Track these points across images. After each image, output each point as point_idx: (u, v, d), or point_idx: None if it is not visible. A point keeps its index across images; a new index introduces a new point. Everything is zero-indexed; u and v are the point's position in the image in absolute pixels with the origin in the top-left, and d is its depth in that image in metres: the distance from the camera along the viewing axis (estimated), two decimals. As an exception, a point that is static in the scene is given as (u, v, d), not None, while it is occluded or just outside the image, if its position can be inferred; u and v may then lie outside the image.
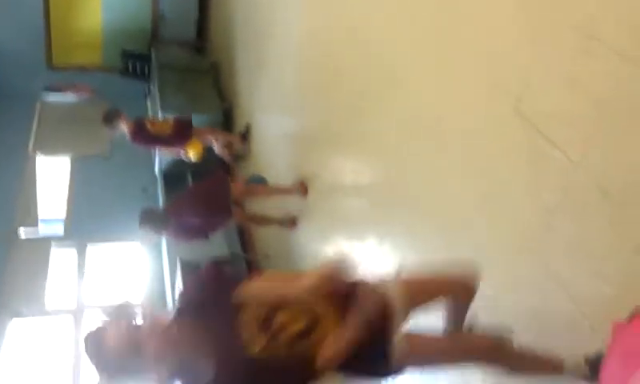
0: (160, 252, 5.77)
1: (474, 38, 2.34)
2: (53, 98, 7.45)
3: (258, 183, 4.81)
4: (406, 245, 2.92)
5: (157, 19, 7.63)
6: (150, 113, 7.13)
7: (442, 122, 2.59)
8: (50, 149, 7.07)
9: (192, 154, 5.15)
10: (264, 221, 4.93)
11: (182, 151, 5.19)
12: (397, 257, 2.99)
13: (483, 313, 2.17)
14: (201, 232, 4.28)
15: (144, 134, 5.06)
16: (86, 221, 6.11)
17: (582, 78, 1.81)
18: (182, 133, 5.16)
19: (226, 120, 6.45)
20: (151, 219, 4.21)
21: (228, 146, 5.62)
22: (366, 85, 3.28)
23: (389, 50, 3.04)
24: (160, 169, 6.47)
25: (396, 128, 3.00)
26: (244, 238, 5.68)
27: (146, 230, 4.21)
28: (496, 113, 2.20)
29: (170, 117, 5.46)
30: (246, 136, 5.73)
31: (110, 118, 5.00)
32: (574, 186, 1.87)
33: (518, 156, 2.11)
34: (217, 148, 5.44)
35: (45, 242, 5.97)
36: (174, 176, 6.27)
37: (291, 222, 4.50)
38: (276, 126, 5.03)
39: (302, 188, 4.29)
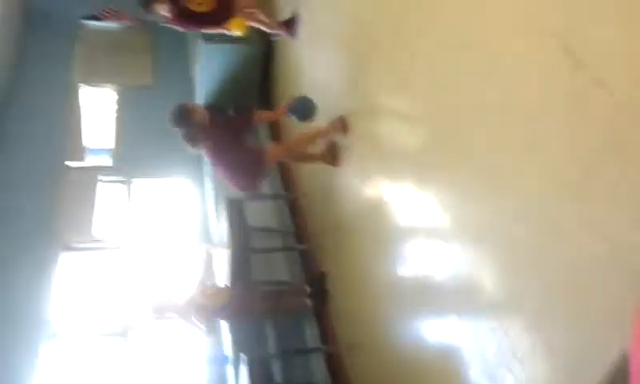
0: (204, 189, 5.85)
1: None
2: (95, 26, 7.40)
3: (301, 114, 4.36)
4: (447, 190, 2.87)
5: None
6: (191, 43, 7.04)
7: (487, 62, 2.48)
8: (94, 79, 7.10)
9: (236, 30, 5.05)
10: (306, 158, 4.83)
11: (225, 27, 5.06)
12: (436, 200, 2.96)
13: (524, 258, 2.22)
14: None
15: (185, 13, 4.91)
16: (132, 153, 6.20)
17: (633, 15, 1.70)
18: (224, 6, 4.99)
19: (269, 50, 6.32)
20: (183, 120, 3.98)
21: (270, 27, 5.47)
22: (408, 19, 3.19)
23: None
24: (202, 100, 6.44)
25: (439, 65, 2.90)
26: (285, 177, 5.68)
27: (177, 129, 4.01)
28: (543, 50, 2.10)
29: None
30: (292, 23, 5.33)
31: (147, 2, 4.82)
32: (618, 126, 1.78)
33: (562, 97, 2.02)
34: (263, 26, 5.38)
35: (92, 173, 6.11)
36: (217, 110, 6.23)
37: (333, 155, 4.35)
38: (319, 65, 4.91)
39: (343, 125, 4.14)
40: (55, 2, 7.26)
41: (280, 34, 5.50)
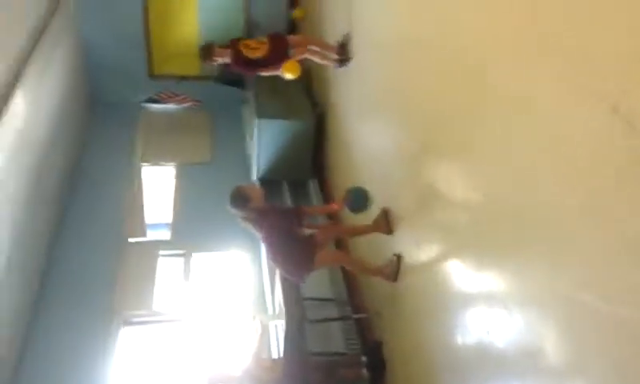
0: (260, 262, 5.92)
1: (568, 37, 2.23)
2: (155, 107, 7.79)
3: (357, 206, 4.25)
4: (508, 265, 2.82)
5: (250, 27, 7.78)
6: (245, 121, 7.31)
7: (538, 130, 2.49)
8: (155, 158, 7.42)
9: (289, 74, 5.21)
10: (359, 233, 4.78)
11: (279, 71, 5.25)
12: (496, 268, 2.90)
13: (588, 324, 2.15)
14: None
15: (242, 60, 5.26)
16: (191, 227, 6.38)
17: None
18: (278, 50, 5.28)
19: (320, 124, 6.49)
20: (240, 203, 4.00)
21: (323, 56, 5.59)
22: (459, 90, 3.23)
23: (480, 56, 2.96)
24: (258, 174, 6.62)
25: (491, 136, 2.92)
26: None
27: (234, 211, 4.02)
28: (594, 115, 2.09)
29: (264, 37, 5.46)
30: (345, 47, 5.40)
31: (206, 54, 5.25)
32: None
33: (618, 160, 2.00)
34: (315, 59, 5.54)
35: (153, 247, 6.28)
36: (272, 182, 6.40)
37: (387, 223, 4.34)
38: (368, 136, 5.00)
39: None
40: (117, 89, 7.76)
41: (333, 61, 5.53)
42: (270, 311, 5.39)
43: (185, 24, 7.77)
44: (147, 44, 7.85)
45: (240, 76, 7.50)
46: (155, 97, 7.54)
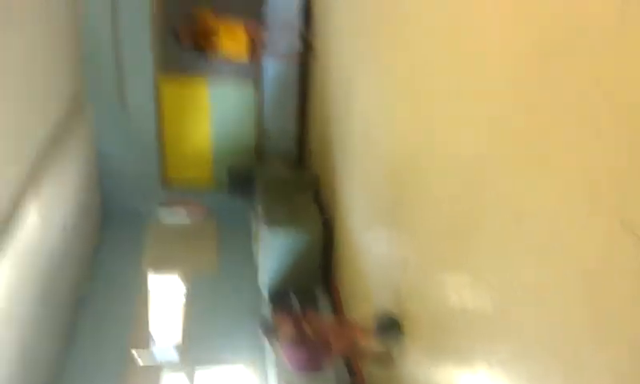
0: (266, 377, 5.72)
1: (568, 152, 2.21)
2: (166, 215, 7.83)
3: (389, 334, 4.33)
4: (517, 373, 2.68)
5: (261, 137, 7.95)
6: (253, 230, 7.29)
7: (540, 243, 2.44)
8: (161, 267, 7.37)
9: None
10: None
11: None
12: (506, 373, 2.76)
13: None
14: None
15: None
16: (195, 341, 6.22)
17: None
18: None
19: (327, 232, 6.45)
20: (271, 333, 4.25)
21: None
22: (462, 205, 3.21)
23: (480, 170, 2.97)
24: (268, 289, 6.50)
25: (491, 248, 2.89)
26: (351, 365, 5.51)
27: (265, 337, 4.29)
28: (600, 229, 2.04)
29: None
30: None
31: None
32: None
33: (629, 273, 1.91)
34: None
35: (157, 369, 6.06)
36: (280, 294, 6.30)
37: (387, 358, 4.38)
38: (374, 245, 4.96)
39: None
40: (128, 197, 7.85)
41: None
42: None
43: (198, 134, 7.95)
44: (160, 154, 8.00)
45: (249, 187, 7.56)
46: (168, 203, 7.58)
